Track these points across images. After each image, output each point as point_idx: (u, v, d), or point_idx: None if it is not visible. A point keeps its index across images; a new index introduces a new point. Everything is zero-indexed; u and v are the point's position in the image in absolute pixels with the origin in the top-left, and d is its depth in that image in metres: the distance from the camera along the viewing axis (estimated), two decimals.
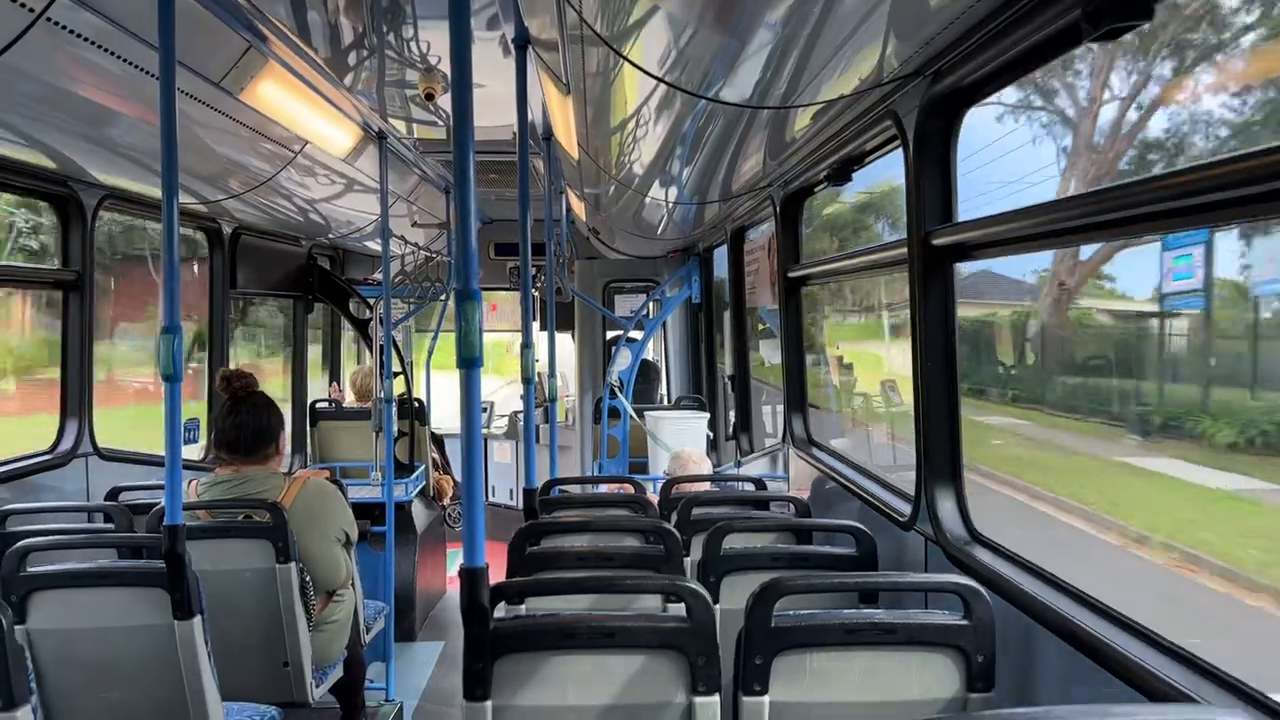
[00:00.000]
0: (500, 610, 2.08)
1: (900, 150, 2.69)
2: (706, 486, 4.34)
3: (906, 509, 2.88)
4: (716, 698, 2.04)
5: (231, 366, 6.08)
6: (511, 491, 9.26)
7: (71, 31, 2.59)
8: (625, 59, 2.50)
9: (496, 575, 2.13)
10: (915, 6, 2.01)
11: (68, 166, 3.92)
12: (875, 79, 2.49)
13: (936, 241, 2.54)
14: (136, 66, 2.92)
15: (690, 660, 2.03)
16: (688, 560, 2.99)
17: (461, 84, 2.01)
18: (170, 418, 2.70)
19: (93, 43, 2.70)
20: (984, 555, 2.48)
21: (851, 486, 3.50)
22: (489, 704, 2.00)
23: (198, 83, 3.23)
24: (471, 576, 1.96)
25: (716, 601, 2.68)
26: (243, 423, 3.59)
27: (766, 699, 1.99)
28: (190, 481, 3.52)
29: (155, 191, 4.46)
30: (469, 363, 1.94)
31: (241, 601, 3.34)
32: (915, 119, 2.55)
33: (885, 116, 2.75)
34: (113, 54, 2.81)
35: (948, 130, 2.52)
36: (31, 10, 2.40)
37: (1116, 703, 1.79)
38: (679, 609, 2.10)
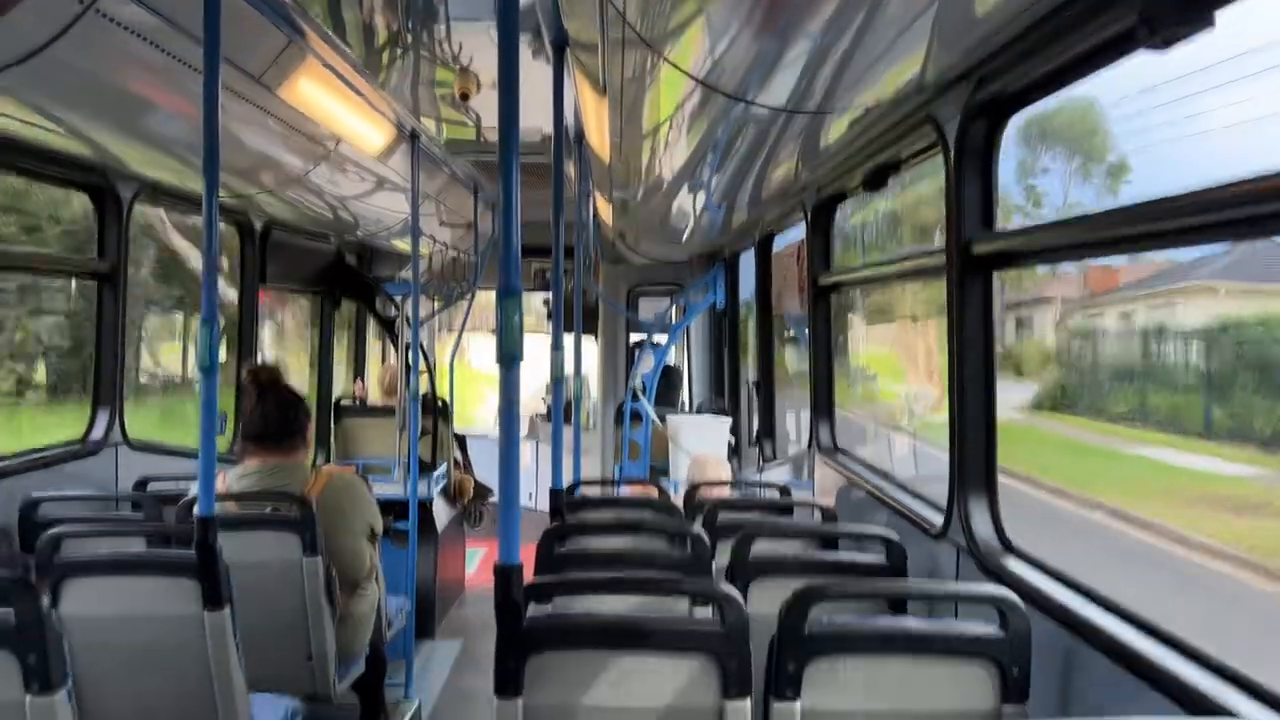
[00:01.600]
0: (529, 610, 2.07)
1: (940, 156, 2.67)
2: (728, 492, 4.33)
3: (937, 518, 2.85)
4: (748, 702, 2.03)
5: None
6: (531, 494, 9.25)
7: (117, 23, 2.61)
8: (665, 59, 2.49)
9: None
10: (961, 12, 1.99)
11: (105, 158, 3.95)
12: (916, 85, 2.48)
13: (977, 250, 2.52)
14: (178, 59, 2.94)
15: (723, 664, 2.01)
16: (714, 564, 2.97)
17: (508, 89, 2.02)
18: (205, 410, 2.72)
19: (138, 35, 2.73)
20: (1017, 565, 2.46)
21: (880, 495, 3.48)
22: (520, 701, 1.99)
23: (238, 77, 3.25)
24: (506, 574, 1.95)
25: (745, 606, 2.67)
26: (270, 414, 3.62)
27: (798, 705, 1.97)
28: (221, 473, 3.54)
29: (191, 184, 4.49)
30: (508, 360, 1.93)
31: (267, 593, 3.34)
32: (957, 125, 2.53)
33: (925, 122, 2.73)
34: (157, 46, 2.83)
35: (991, 136, 2.50)
36: (80, 1, 2.43)
37: (1152, 715, 1.77)
38: (705, 612, 2.08)
